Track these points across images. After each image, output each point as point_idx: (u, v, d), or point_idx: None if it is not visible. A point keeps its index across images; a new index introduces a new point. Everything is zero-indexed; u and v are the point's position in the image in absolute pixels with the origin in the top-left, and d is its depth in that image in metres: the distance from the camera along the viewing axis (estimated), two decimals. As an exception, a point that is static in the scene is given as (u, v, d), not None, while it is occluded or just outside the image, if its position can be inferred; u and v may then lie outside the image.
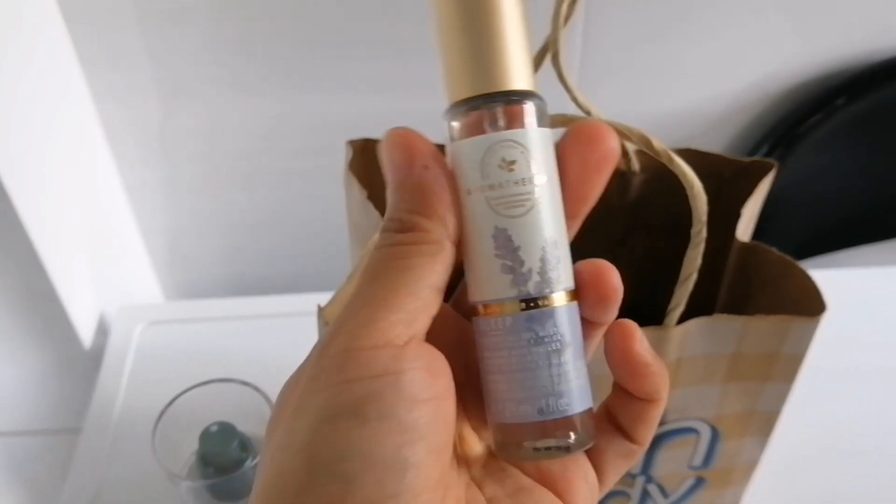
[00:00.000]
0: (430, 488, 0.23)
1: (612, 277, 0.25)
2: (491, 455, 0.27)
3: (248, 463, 0.50)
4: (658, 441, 0.45)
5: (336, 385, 0.23)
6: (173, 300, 0.93)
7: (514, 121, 0.24)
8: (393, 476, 0.22)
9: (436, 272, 0.24)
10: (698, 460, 0.47)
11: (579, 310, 0.25)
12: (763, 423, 0.45)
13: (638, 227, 0.54)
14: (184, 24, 0.70)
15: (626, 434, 0.27)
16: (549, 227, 0.24)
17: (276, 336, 0.73)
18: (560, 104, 0.41)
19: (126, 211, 0.84)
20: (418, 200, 0.24)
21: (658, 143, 0.34)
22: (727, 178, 0.49)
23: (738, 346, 0.41)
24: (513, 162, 0.23)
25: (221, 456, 0.49)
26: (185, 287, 0.94)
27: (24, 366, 0.75)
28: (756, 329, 0.40)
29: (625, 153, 0.48)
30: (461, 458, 0.26)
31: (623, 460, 0.27)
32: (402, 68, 0.74)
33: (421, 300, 0.24)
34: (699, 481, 0.48)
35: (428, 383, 0.23)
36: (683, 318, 0.40)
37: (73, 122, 0.72)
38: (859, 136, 0.84)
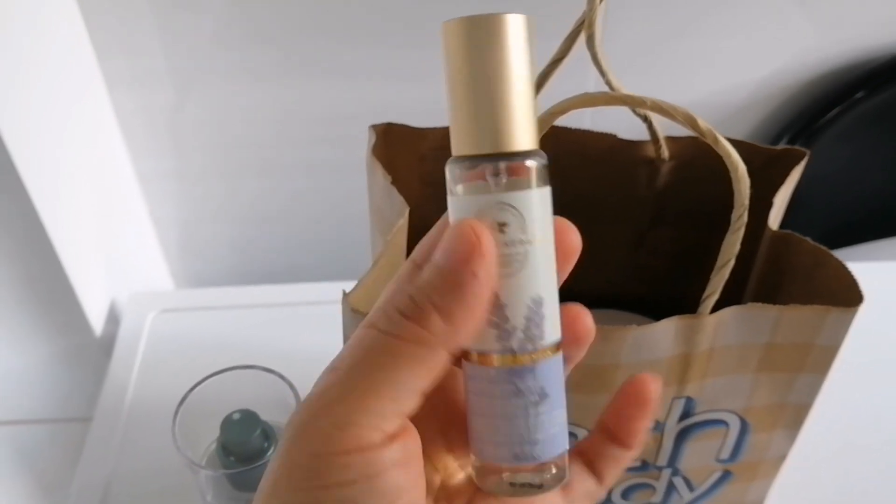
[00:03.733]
0: None
1: (587, 322, 0.26)
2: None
3: (271, 452, 0.49)
4: (686, 433, 0.44)
5: (311, 490, 0.22)
6: (185, 288, 0.93)
7: (512, 183, 0.24)
8: None
9: (425, 379, 0.23)
10: (726, 453, 0.46)
11: (562, 359, 0.26)
12: (793, 415, 0.44)
13: (665, 216, 0.53)
14: (197, 11, 0.70)
15: (597, 475, 0.28)
16: (537, 287, 0.24)
17: (289, 325, 0.73)
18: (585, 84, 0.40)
19: (138, 199, 0.83)
20: (448, 297, 0.23)
21: (703, 123, 0.33)
22: (757, 167, 0.48)
23: (772, 336, 0.40)
24: (504, 224, 0.23)
25: (243, 445, 0.48)
26: (195, 276, 0.93)
27: (34, 354, 0.74)
28: (791, 319, 0.39)
29: (655, 140, 0.47)
30: (446, 490, 0.27)
31: (589, 499, 0.28)
32: (417, 55, 0.73)
33: (403, 405, 0.23)
34: (726, 475, 0.47)
35: (403, 479, 0.23)
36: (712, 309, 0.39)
37: (87, 111, 0.72)
38: (880, 129, 0.83)
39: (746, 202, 0.34)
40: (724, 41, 0.75)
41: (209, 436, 0.51)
